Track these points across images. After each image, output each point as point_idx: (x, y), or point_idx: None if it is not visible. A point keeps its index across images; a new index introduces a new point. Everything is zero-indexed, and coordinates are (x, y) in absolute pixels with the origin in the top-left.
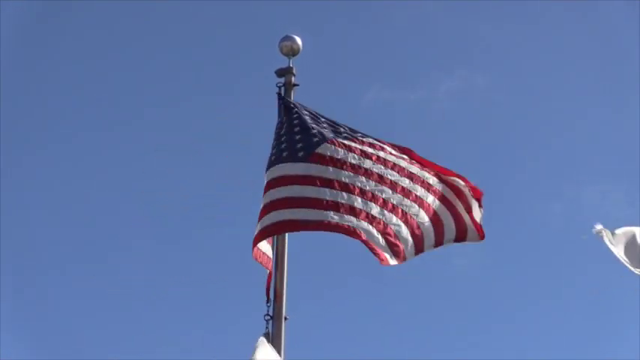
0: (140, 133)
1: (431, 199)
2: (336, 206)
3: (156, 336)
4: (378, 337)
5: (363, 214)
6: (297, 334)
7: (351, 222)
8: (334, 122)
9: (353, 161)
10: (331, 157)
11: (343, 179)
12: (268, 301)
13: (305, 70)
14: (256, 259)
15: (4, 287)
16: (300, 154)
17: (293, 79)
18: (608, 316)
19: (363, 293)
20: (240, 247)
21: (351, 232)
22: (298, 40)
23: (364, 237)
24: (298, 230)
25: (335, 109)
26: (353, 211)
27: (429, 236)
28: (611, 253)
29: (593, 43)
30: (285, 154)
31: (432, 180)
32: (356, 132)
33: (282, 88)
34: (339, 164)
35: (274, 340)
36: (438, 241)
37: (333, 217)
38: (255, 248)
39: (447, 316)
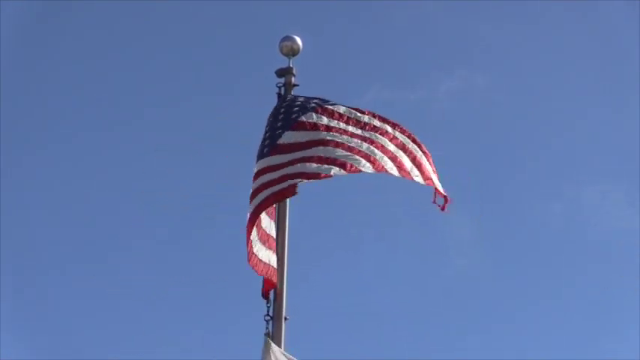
0: (140, 133)
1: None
2: (290, 176)
3: (156, 336)
4: (379, 337)
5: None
6: (297, 334)
7: (303, 172)
8: (307, 98)
9: (311, 138)
10: (290, 144)
11: (299, 156)
12: (268, 301)
13: (305, 70)
14: (253, 267)
15: (4, 287)
16: (265, 150)
17: (293, 79)
18: (608, 316)
19: (364, 294)
20: (241, 247)
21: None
22: (298, 41)
23: (322, 175)
24: (255, 218)
25: None
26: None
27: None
28: None
29: (593, 43)
30: (257, 154)
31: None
32: (326, 101)
33: (282, 88)
34: (297, 147)
35: (274, 340)
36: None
37: (282, 185)
38: (255, 259)
39: (447, 316)
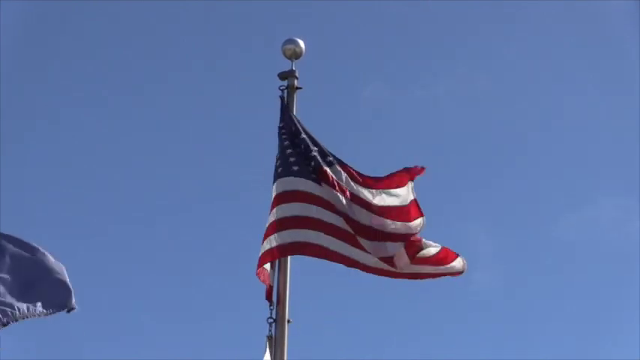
0: (141, 136)
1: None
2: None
3: (156, 336)
4: (382, 341)
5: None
6: (300, 337)
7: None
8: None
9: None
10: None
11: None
12: (271, 304)
13: (308, 71)
14: (258, 276)
15: None
16: (314, 175)
17: (296, 81)
18: (608, 316)
19: (369, 298)
20: (243, 248)
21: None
22: (301, 44)
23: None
24: (321, 257)
25: (335, 108)
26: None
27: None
28: None
29: (593, 43)
30: (295, 168)
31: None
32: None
33: (285, 91)
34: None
35: (277, 343)
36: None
37: (358, 254)
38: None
39: (453, 319)
